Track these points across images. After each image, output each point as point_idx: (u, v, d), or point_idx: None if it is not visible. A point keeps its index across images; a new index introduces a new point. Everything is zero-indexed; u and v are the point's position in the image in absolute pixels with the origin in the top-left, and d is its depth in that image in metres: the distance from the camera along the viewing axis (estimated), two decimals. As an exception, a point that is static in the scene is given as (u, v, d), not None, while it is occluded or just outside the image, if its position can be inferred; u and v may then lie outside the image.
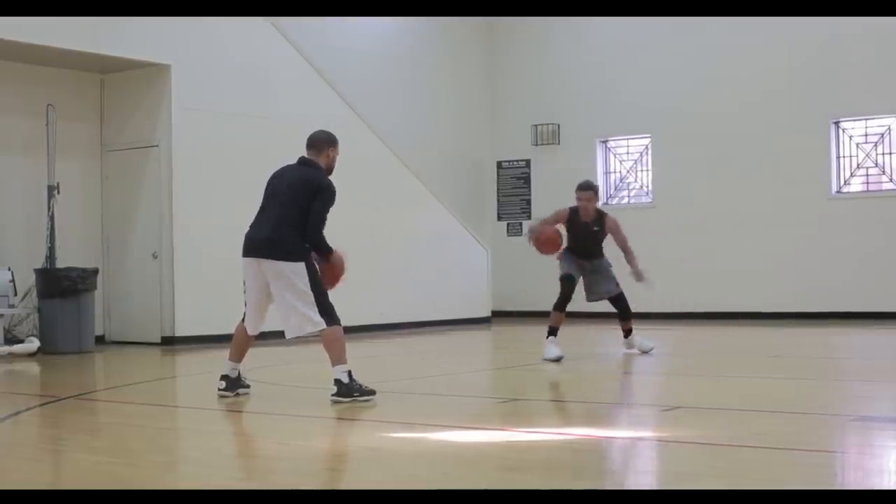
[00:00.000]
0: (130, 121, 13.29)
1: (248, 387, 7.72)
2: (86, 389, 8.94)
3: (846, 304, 15.93)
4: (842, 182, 16.49)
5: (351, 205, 10.96)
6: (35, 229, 12.51)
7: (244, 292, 7.46)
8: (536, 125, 18.79)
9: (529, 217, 18.95)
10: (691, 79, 17.39)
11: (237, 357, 7.57)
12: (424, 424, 6.14)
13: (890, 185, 16.19)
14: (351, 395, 7.08)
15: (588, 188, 10.20)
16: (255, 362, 8.98)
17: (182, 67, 12.94)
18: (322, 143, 7.49)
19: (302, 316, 7.13)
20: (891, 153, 16.21)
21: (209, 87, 13.23)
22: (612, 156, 18.50)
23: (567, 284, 10.12)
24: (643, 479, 4.93)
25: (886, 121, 16.17)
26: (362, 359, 8.74)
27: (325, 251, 7.28)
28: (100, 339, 13.00)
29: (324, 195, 7.23)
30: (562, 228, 10.17)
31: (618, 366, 10.13)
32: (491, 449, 5.60)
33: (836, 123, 16.43)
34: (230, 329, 7.64)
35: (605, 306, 10.61)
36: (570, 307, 10.18)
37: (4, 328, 11.81)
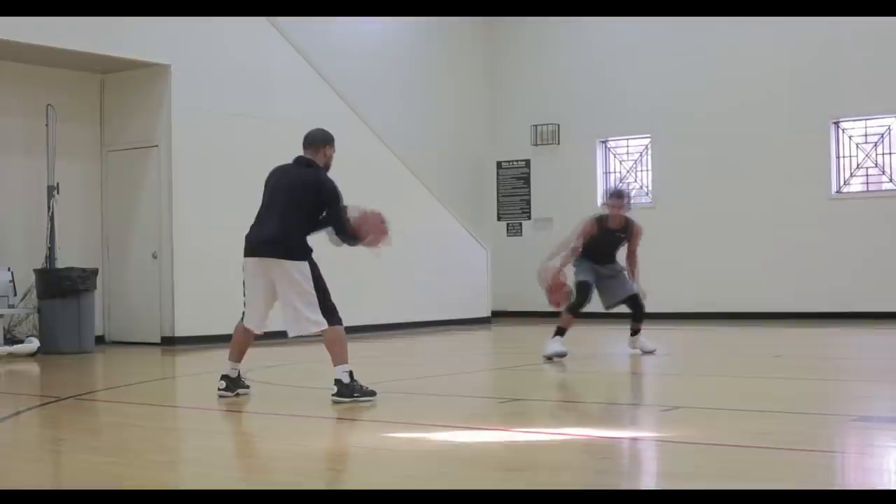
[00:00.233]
0: (130, 121, 13.29)
1: (247, 387, 7.72)
2: (86, 389, 8.94)
3: (846, 305, 15.93)
4: (842, 182, 16.49)
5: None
6: (35, 229, 12.51)
7: (244, 294, 7.45)
8: (536, 125, 18.79)
9: (529, 217, 18.99)
10: (691, 79, 17.39)
11: (237, 357, 7.57)
12: (424, 424, 6.14)
13: (890, 186, 16.20)
14: (351, 396, 7.08)
15: (620, 196, 10.30)
16: (256, 362, 8.98)
17: (182, 67, 12.94)
18: (319, 141, 7.49)
19: (304, 316, 7.13)
20: (891, 153, 16.21)
21: (209, 88, 13.23)
22: (611, 156, 18.50)
23: (584, 291, 10.13)
24: (643, 479, 4.93)
25: (886, 121, 16.17)
26: (362, 359, 8.73)
27: (352, 232, 7.34)
28: (100, 339, 13.01)
29: (332, 202, 7.28)
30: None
31: (618, 366, 10.13)
32: (491, 449, 5.60)
33: (836, 123, 16.43)
34: (230, 329, 7.64)
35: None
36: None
37: (4, 328, 11.81)
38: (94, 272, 12.30)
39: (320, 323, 7.14)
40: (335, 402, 7.07)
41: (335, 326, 7.17)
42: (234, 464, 5.50)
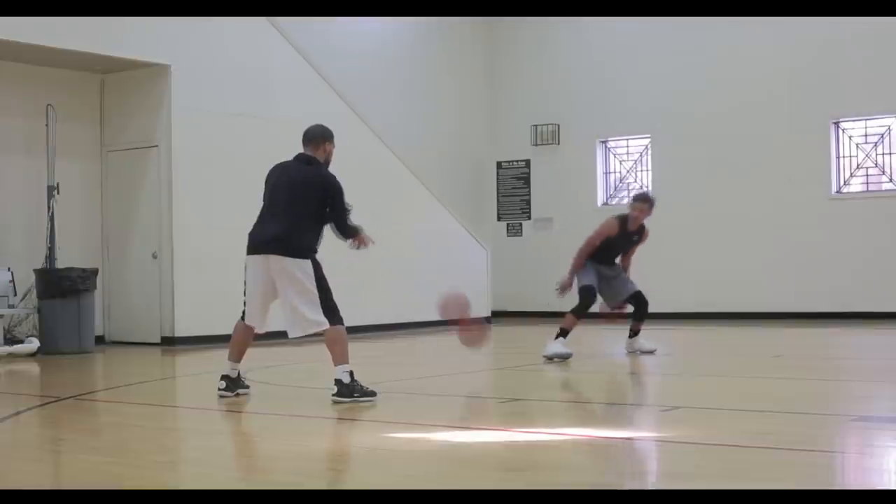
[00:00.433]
0: (130, 121, 13.29)
1: (247, 387, 7.72)
2: (86, 389, 8.94)
3: (846, 304, 15.93)
4: (842, 182, 16.49)
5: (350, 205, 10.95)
6: (35, 229, 12.51)
7: (244, 293, 7.45)
8: (536, 125, 18.79)
9: (529, 217, 18.99)
10: (691, 79, 17.39)
11: (237, 357, 7.57)
12: (424, 424, 6.14)
13: (890, 186, 16.20)
14: (351, 396, 7.08)
15: (648, 200, 10.29)
16: (255, 362, 8.98)
17: (182, 68, 12.94)
18: (319, 137, 7.48)
19: (305, 315, 7.13)
20: (891, 153, 16.21)
21: (209, 88, 13.23)
22: (611, 156, 18.50)
23: (589, 295, 10.12)
24: (643, 479, 4.93)
25: (886, 121, 16.17)
26: (363, 359, 8.73)
27: (353, 232, 7.42)
28: (100, 339, 13.01)
29: (336, 196, 7.29)
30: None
31: (618, 366, 10.12)
32: (491, 449, 5.60)
33: (836, 123, 16.43)
34: (230, 329, 7.64)
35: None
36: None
37: (4, 328, 11.81)
38: (94, 272, 12.30)
39: (321, 323, 7.13)
40: (335, 402, 7.07)
41: (336, 326, 7.17)
42: (234, 464, 5.50)
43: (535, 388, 8.68)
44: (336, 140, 7.61)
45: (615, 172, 18.44)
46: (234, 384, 7.55)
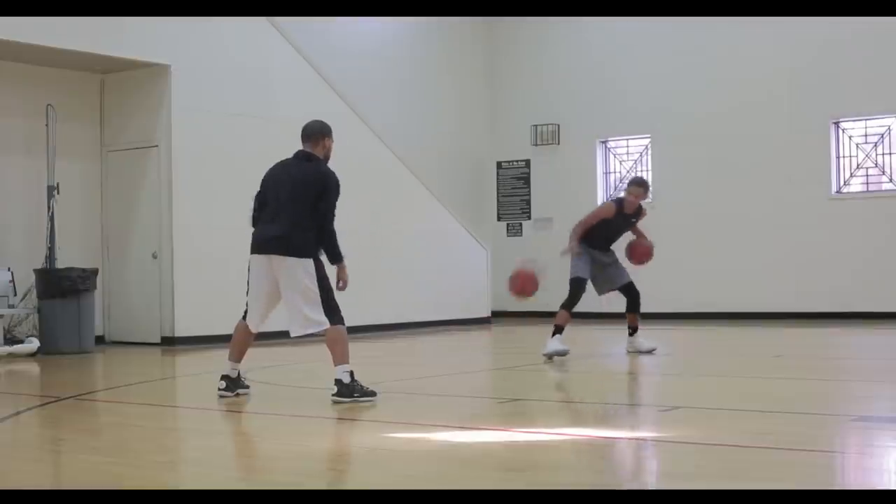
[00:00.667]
0: (130, 121, 13.30)
1: (247, 387, 7.72)
2: (86, 389, 8.94)
3: (846, 305, 15.93)
4: (842, 182, 16.49)
5: (351, 205, 10.94)
6: (35, 229, 12.51)
7: (247, 293, 7.45)
8: (536, 125, 18.79)
9: (529, 217, 18.99)
10: (691, 79, 17.39)
11: (237, 357, 7.57)
12: (425, 425, 6.14)
13: (890, 186, 16.19)
14: (351, 396, 7.08)
15: (645, 186, 10.43)
16: (255, 362, 8.98)
17: (182, 68, 12.95)
18: (317, 133, 7.46)
19: (306, 315, 7.13)
20: (891, 153, 16.21)
21: (209, 88, 13.23)
22: (611, 156, 18.50)
23: (578, 287, 10.14)
24: (643, 479, 4.93)
25: (886, 121, 16.17)
26: (363, 359, 8.74)
27: (337, 257, 7.25)
28: (100, 339, 13.01)
29: (330, 191, 7.23)
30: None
31: (618, 366, 10.12)
32: (491, 449, 5.60)
33: (836, 124, 16.43)
34: (230, 329, 7.64)
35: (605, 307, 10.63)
36: (577, 307, 10.22)
37: (4, 328, 11.81)
38: (94, 272, 12.30)
39: (322, 322, 7.13)
40: (335, 403, 7.07)
41: (337, 326, 7.17)
42: (234, 464, 5.51)
43: (535, 388, 8.68)
44: (336, 140, 7.60)
45: (615, 172, 18.44)
46: (234, 384, 7.56)
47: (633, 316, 10.47)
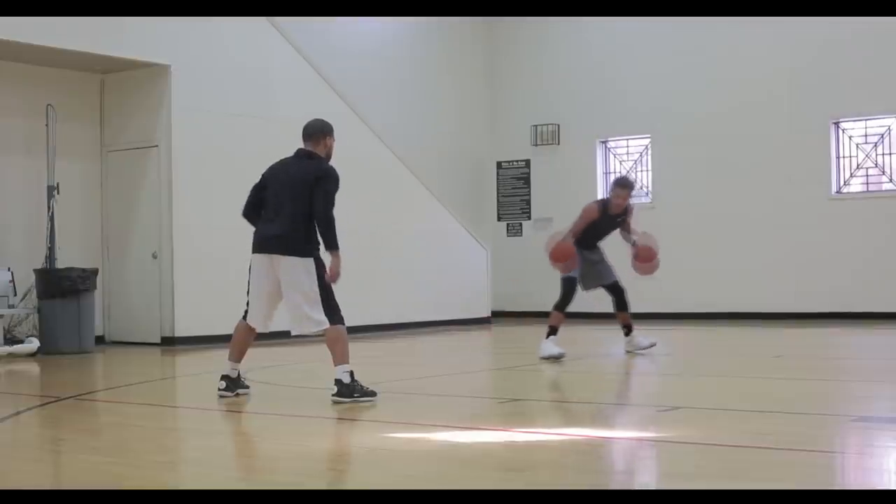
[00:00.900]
0: (130, 121, 13.30)
1: (247, 387, 7.72)
2: (86, 389, 8.94)
3: (846, 305, 15.93)
4: (842, 182, 16.49)
5: (351, 205, 10.94)
6: (35, 229, 12.51)
7: (248, 292, 7.45)
8: (536, 125, 18.79)
9: (529, 217, 18.99)
10: (691, 79, 17.39)
11: (237, 357, 7.57)
12: (424, 425, 6.14)
13: (890, 186, 16.19)
14: (351, 396, 7.08)
15: (630, 187, 10.43)
16: (255, 362, 8.98)
17: (182, 67, 12.95)
18: (318, 132, 7.46)
19: (307, 314, 7.13)
20: (891, 153, 16.21)
21: (209, 88, 13.23)
22: (611, 156, 18.50)
23: (569, 286, 10.17)
24: (643, 479, 4.93)
25: (886, 121, 16.17)
26: (363, 359, 8.74)
27: (332, 245, 7.17)
28: (100, 339, 13.01)
29: (329, 180, 7.20)
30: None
31: (618, 366, 10.13)
32: (491, 449, 5.60)
33: (836, 124, 16.43)
34: (230, 329, 7.64)
35: (605, 307, 10.62)
36: (572, 307, 10.22)
37: (4, 328, 11.81)
38: (94, 272, 12.30)
39: (322, 322, 7.13)
40: (335, 403, 7.07)
41: (337, 326, 7.17)
42: (234, 464, 5.51)
43: (534, 388, 8.68)
44: (336, 140, 7.59)
45: (615, 172, 18.42)
46: (234, 384, 7.55)
47: (625, 315, 10.47)
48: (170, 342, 12.75)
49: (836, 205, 16.32)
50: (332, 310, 7.16)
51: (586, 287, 10.44)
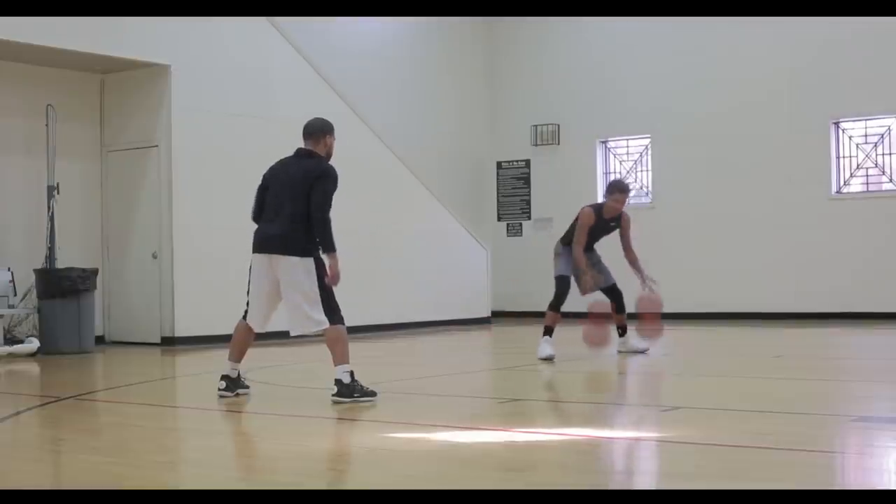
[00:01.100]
0: (130, 121, 13.30)
1: (247, 387, 7.72)
2: (86, 389, 8.94)
3: (846, 305, 15.92)
4: (842, 182, 16.49)
5: (351, 205, 10.96)
6: (35, 229, 12.51)
7: (248, 292, 7.45)
8: (536, 125, 18.79)
9: (529, 217, 18.99)
10: (691, 79, 17.39)
11: (237, 357, 7.56)
12: (425, 425, 6.14)
13: (890, 186, 16.19)
14: (351, 396, 7.07)
15: (626, 192, 10.42)
16: (255, 362, 8.98)
17: (182, 67, 12.94)
18: (318, 131, 7.45)
19: (306, 314, 7.12)
20: (891, 154, 16.21)
21: (209, 88, 13.23)
22: (611, 156, 18.50)
23: (562, 284, 10.21)
24: (643, 479, 4.93)
25: (886, 121, 16.17)
26: (363, 359, 8.74)
27: (329, 247, 7.17)
28: (100, 339, 13.01)
29: (327, 180, 7.19)
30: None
31: (617, 366, 10.12)
32: (491, 449, 5.60)
33: (836, 124, 16.42)
34: (230, 329, 7.64)
35: (604, 307, 10.62)
36: (569, 307, 10.22)
37: (4, 328, 11.81)
38: (94, 272, 12.30)
39: (322, 322, 7.13)
40: (335, 403, 7.06)
41: (337, 326, 7.16)
42: (234, 464, 5.51)
43: (534, 389, 8.68)
44: (336, 140, 7.59)
45: (615, 172, 18.42)
46: (234, 384, 7.55)
47: (620, 317, 10.50)
48: (170, 342, 12.75)
49: (836, 205, 16.32)
50: (332, 310, 7.15)
51: (584, 292, 10.45)
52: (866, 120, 16.28)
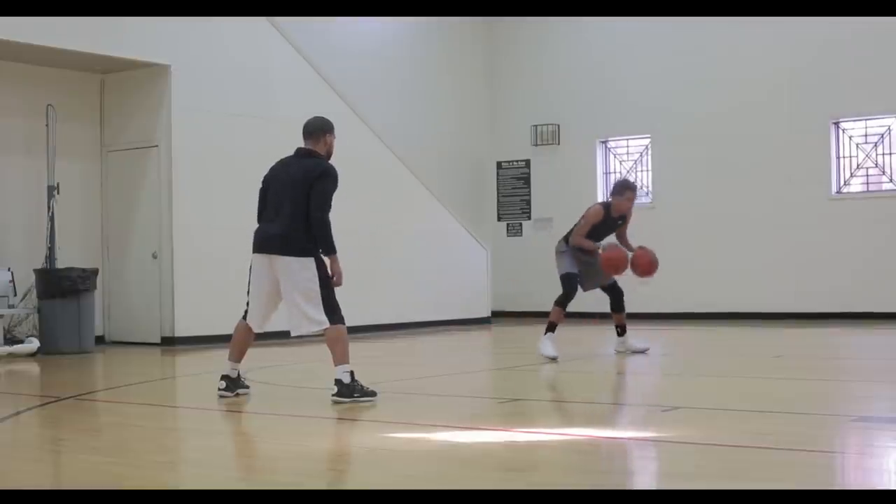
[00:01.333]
0: (130, 121, 13.30)
1: (247, 387, 7.71)
2: (86, 389, 8.94)
3: (846, 305, 15.93)
4: (842, 182, 16.49)
5: (351, 205, 10.96)
6: (35, 229, 12.51)
7: (248, 292, 7.45)
8: (536, 125, 18.79)
9: (529, 217, 18.99)
10: (691, 79, 17.39)
11: (237, 357, 7.56)
12: (424, 425, 6.14)
13: (890, 186, 16.19)
14: (351, 396, 7.07)
15: (634, 190, 10.46)
16: (255, 362, 8.98)
17: (182, 67, 12.95)
18: (318, 130, 7.44)
19: (306, 314, 7.12)
20: (891, 153, 16.21)
21: (209, 88, 13.23)
22: (611, 156, 18.50)
23: (570, 282, 10.18)
24: (643, 479, 4.93)
25: (886, 121, 16.17)
26: (362, 359, 8.73)
27: (329, 249, 7.18)
28: (100, 339, 13.01)
29: (326, 179, 7.18)
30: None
31: (617, 366, 10.12)
32: (491, 449, 5.60)
33: (836, 124, 16.43)
34: (230, 329, 7.64)
35: (605, 306, 10.63)
36: (569, 307, 10.22)
37: (4, 328, 11.81)
38: (94, 272, 12.30)
39: (322, 322, 7.13)
40: (335, 403, 7.06)
41: (337, 326, 7.16)
42: (234, 464, 5.51)
43: (535, 389, 8.68)
44: (336, 140, 7.58)
45: (615, 172, 18.43)
46: (233, 384, 7.55)
47: (620, 315, 10.49)
48: (170, 342, 12.75)
49: (836, 205, 16.32)
50: (332, 310, 7.15)
51: (586, 288, 10.45)
52: (866, 120, 16.28)
